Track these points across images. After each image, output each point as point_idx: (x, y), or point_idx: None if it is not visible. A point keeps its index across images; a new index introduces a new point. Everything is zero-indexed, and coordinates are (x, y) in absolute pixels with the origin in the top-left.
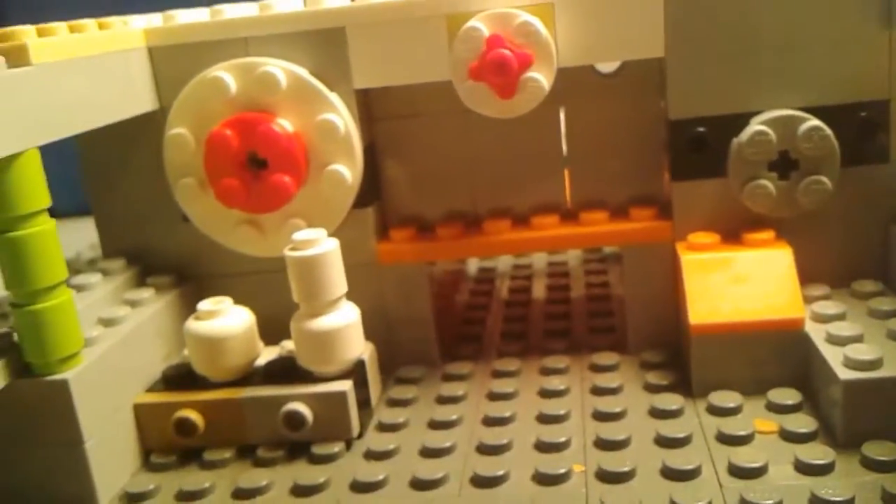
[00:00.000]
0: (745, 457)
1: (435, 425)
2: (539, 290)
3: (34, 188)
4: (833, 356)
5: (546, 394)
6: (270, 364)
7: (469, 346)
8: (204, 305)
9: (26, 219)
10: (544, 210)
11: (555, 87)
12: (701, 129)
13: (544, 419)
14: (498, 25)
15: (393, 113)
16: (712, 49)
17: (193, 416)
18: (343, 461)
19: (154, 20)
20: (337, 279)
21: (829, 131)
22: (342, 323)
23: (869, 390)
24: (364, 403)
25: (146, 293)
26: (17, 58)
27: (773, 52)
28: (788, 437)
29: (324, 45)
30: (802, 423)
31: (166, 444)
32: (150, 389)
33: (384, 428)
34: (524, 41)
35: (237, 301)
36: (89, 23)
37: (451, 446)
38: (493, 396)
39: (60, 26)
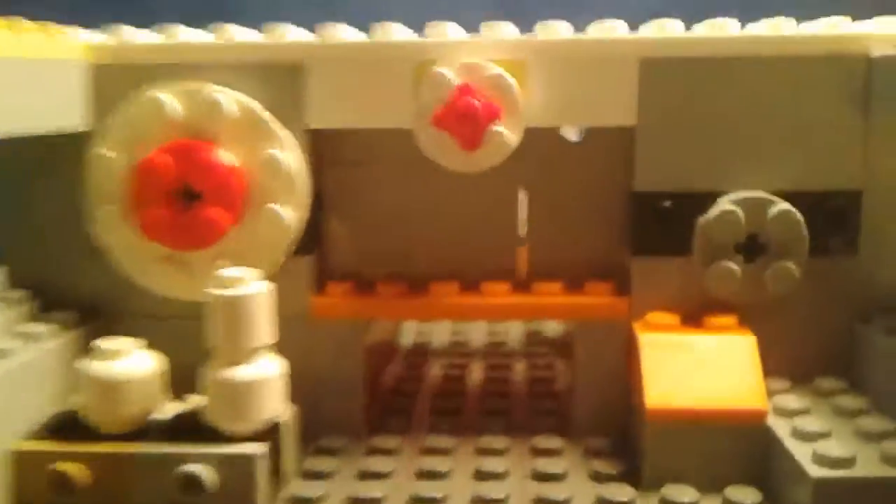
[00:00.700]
0: None
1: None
2: (477, 369)
3: None
4: (801, 452)
5: (483, 476)
6: (171, 419)
7: (399, 419)
8: (103, 343)
9: None
10: (495, 277)
11: (518, 149)
12: (667, 204)
13: (480, 503)
14: (468, 75)
15: (345, 159)
16: (685, 123)
17: (73, 470)
18: None
19: (101, 36)
20: (265, 326)
21: (800, 216)
22: (263, 375)
23: (841, 491)
24: (276, 472)
25: (43, 328)
26: None
27: (747, 132)
28: None
29: (280, 79)
30: None
31: (43, 501)
32: (32, 436)
33: (296, 503)
34: (493, 93)
35: (149, 346)
36: (30, 24)
37: None
38: (423, 475)
39: None
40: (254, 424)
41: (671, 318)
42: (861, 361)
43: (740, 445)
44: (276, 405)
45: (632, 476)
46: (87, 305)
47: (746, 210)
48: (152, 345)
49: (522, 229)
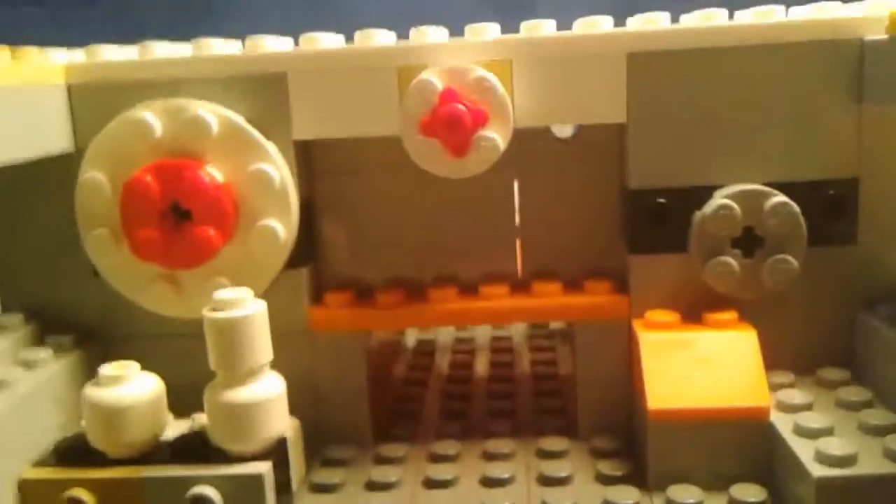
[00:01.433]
0: None
1: None
2: (482, 366)
3: None
4: (803, 450)
5: (489, 482)
6: (178, 440)
7: (405, 426)
8: (106, 370)
9: None
10: (493, 280)
11: (509, 150)
12: (662, 201)
13: None
14: (452, 80)
15: (334, 168)
16: (677, 118)
17: (85, 496)
18: None
19: (76, 55)
20: (261, 345)
21: (796, 208)
22: (263, 395)
23: (843, 489)
24: (284, 488)
25: (43, 353)
26: None
27: (740, 124)
28: None
29: (263, 91)
30: None
31: None
32: (39, 463)
33: None
34: (479, 97)
35: (148, 367)
36: (5, 51)
37: None
38: (430, 484)
39: None
40: (258, 444)
41: (671, 316)
42: (864, 352)
43: (744, 443)
44: (279, 422)
45: (637, 477)
46: (84, 327)
47: (742, 203)
48: (153, 364)
49: (518, 230)
